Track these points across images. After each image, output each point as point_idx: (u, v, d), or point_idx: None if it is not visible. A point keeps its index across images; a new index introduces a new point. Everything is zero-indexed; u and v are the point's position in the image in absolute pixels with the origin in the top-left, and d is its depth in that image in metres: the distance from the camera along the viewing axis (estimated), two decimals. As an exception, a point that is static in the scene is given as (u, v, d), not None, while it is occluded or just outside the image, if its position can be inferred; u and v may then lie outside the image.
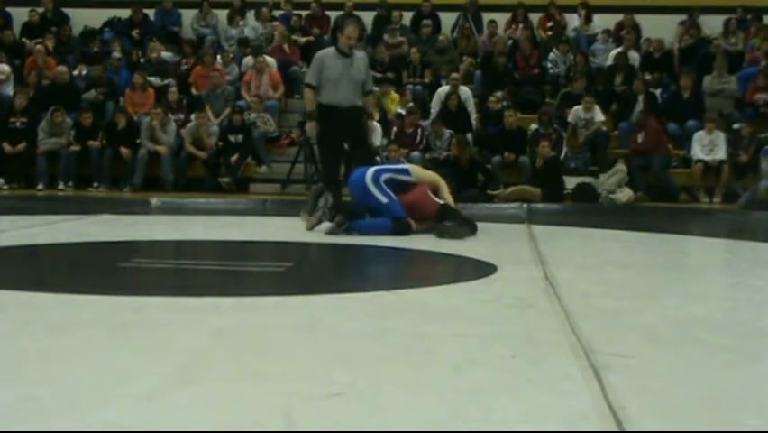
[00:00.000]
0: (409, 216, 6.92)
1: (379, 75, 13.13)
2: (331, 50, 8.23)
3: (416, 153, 11.54)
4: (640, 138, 11.86)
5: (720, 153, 11.73)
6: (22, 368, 2.66)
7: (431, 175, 7.50)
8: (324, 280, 5.14)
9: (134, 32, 14.95)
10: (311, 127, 8.04)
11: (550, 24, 14.83)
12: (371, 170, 7.08)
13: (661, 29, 14.53)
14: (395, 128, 12.04)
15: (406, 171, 7.23)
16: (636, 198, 11.41)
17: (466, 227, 6.84)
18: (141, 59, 14.28)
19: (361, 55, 8.32)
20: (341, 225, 6.80)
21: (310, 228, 7.09)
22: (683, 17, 14.64)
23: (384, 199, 6.91)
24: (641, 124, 11.94)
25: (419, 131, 11.93)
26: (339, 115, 7.89)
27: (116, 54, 13.95)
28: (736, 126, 12.02)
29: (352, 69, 7.96)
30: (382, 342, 3.10)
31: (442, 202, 7.05)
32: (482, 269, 5.02)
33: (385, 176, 7.04)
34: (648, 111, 12.13)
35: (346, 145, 8.16)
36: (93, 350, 2.93)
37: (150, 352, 2.89)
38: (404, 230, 6.83)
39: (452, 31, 14.93)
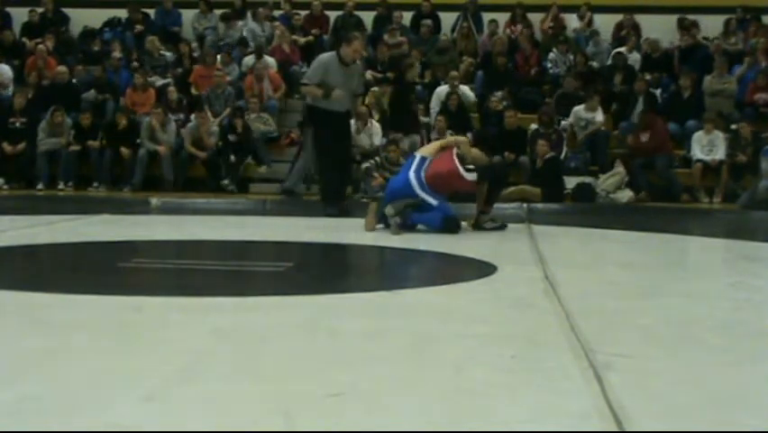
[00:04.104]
0: (436, 187, 7.02)
1: (379, 75, 13.14)
2: (333, 57, 8.41)
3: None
4: (644, 138, 11.82)
5: (720, 153, 11.73)
6: (22, 368, 2.66)
7: (435, 145, 7.56)
8: (325, 280, 5.14)
9: (135, 29, 14.93)
10: (339, 94, 8.17)
11: (550, 24, 14.82)
12: (412, 176, 7.04)
13: (661, 29, 14.52)
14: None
15: (423, 160, 7.18)
16: (638, 198, 11.41)
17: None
18: (140, 59, 14.27)
19: (357, 63, 8.56)
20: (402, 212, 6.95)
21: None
22: (683, 17, 14.63)
23: (435, 202, 6.99)
24: (646, 124, 11.90)
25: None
26: (332, 119, 8.22)
27: (116, 54, 13.95)
28: (733, 126, 12.01)
29: (351, 78, 8.35)
30: (382, 342, 3.10)
31: (471, 179, 7.16)
32: (482, 269, 5.02)
33: (421, 174, 7.04)
34: (652, 111, 12.13)
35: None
36: (93, 350, 2.93)
37: (150, 352, 2.89)
38: (453, 228, 6.98)
39: (452, 31, 14.92)
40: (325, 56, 8.68)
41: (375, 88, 12.50)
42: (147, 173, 12.14)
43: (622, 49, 13.96)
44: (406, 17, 15.04)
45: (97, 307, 3.72)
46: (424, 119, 12.28)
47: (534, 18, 15.05)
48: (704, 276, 5.58)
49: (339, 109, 8.27)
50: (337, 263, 6.12)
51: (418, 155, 7.30)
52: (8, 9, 15.45)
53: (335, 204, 8.45)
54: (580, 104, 12.35)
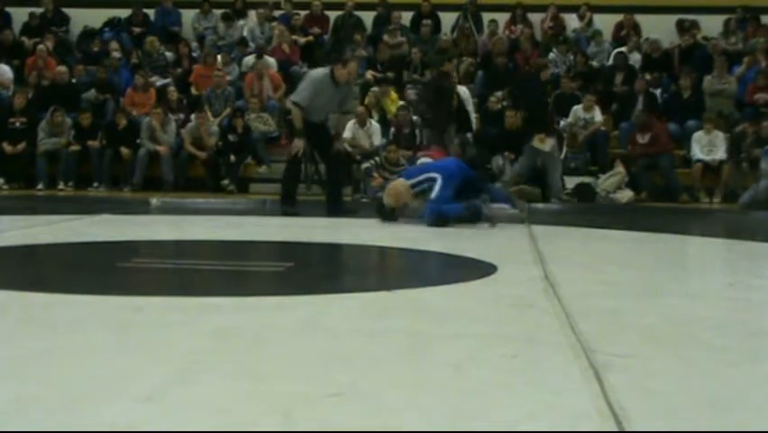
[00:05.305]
0: None
1: (379, 75, 13.13)
2: (327, 77, 8.62)
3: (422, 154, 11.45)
4: (644, 139, 11.80)
5: (720, 153, 11.73)
6: (22, 368, 2.66)
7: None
8: (325, 280, 5.14)
9: (134, 30, 14.92)
10: (299, 143, 8.71)
11: (550, 24, 14.82)
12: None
13: (661, 29, 14.52)
14: (393, 129, 12.02)
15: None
16: (640, 199, 11.40)
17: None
18: (140, 59, 14.27)
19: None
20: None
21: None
22: (684, 17, 14.63)
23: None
24: (645, 125, 11.88)
25: (417, 131, 11.89)
26: (309, 128, 8.69)
27: (116, 54, 13.94)
28: (737, 128, 12.00)
29: (339, 97, 8.84)
30: (382, 342, 3.10)
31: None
32: (482, 269, 5.02)
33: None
34: (650, 111, 12.12)
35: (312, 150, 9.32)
36: (93, 350, 2.92)
37: (150, 352, 2.89)
38: (477, 218, 7.49)
39: (452, 31, 14.92)
40: (319, 74, 8.85)
41: (375, 88, 12.49)
42: (147, 173, 12.15)
43: (623, 48, 13.95)
44: (406, 17, 15.03)
45: (97, 307, 3.72)
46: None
47: (535, 18, 15.05)
48: (704, 276, 5.59)
49: (316, 120, 8.71)
50: (337, 263, 6.12)
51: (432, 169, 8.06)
52: (8, 9, 15.44)
53: (294, 203, 9.02)
54: (577, 104, 12.36)
